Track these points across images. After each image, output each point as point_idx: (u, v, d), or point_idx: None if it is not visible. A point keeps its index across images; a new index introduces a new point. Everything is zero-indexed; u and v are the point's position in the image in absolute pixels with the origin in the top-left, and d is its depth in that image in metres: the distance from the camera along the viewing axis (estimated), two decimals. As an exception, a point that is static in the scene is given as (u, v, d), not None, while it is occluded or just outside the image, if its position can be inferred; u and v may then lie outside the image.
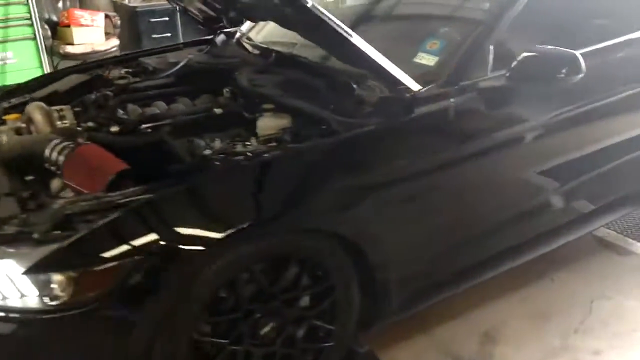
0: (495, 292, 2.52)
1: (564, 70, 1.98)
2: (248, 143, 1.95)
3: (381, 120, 1.95)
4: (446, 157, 2.00)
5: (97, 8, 5.74)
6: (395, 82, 1.94)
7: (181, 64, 2.63)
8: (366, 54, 1.90)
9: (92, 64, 2.92)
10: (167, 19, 5.81)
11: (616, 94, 2.41)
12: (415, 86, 1.95)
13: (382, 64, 1.91)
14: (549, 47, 2.02)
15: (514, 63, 2.01)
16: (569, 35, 2.46)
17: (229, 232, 1.61)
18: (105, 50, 5.51)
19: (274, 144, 1.96)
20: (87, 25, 5.42)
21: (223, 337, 1.77)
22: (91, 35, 5.46)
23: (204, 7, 2.78)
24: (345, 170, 1.85)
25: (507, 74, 2.02)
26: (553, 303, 2.48)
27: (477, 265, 2.29)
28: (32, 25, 5.10)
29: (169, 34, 5.88)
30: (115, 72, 2.72)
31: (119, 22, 5.72)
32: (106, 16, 5.67)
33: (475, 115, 2.07)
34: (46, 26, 5.31)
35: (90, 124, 2.17)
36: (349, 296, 1.96)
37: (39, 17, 5.21)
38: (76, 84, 2.58)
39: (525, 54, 2.00)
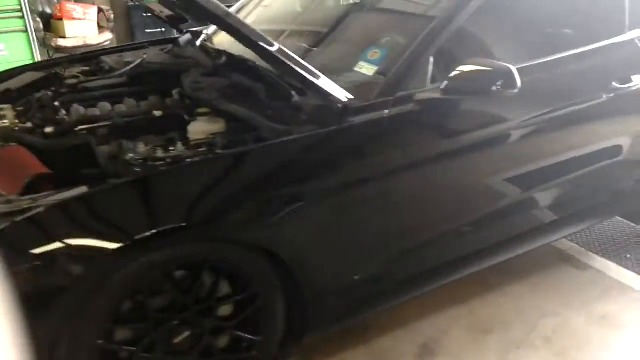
0: (441, 302, 2.48)
1: (499, 84, 1.93)
2: (172, 148, 1.93)
3: (313, 128, 1.92)
4: (378, 168, 1.96)
5: (92, 1, 5.76)
6: (322, 92, 1.91)
7: (133, 64, 2.62)
8: (287, 63, 1.87)
9: (52, 61, 2.92)
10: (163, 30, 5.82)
11: (563, 108, 2.34)
12: (343, 97, 1.92)
13: (305, 74, 1.88)
14: (485, 60, 1.98)
15: (450, 75, 1.97)
16: (528, 45, 2.43)
17: (133, 239, 1.59)
18: (97, 44, 5.52)
19: (204, 149, 1.95)
20: (79, 19, 5.44)
21: (135, 344, 1.76)
22: (83, 28, 5.48)
23: (162, 7, 2.77)
24: (269, 180, 1.82)
25: (442, 87, 1.97)
26: (499, 317, 2.43)
27: (420, 276, 2.25)
28: (23, 17, 5.13)
29: (162, 29, 5.89)
30: (73, 71, 2.72)
31: (112, 16, 5.74)
32: (100, 10, 5.69)
33: (411, 126, 2.03)
34: (38, 19, 5.34)
35: (29, 124, 2.17)
36: (272, 306, 1.93)
37: (33, 9, 5.26)
38: (30, 82, 2.58)
39: (460, 67, 1.96)
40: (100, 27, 5.71)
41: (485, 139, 2.18)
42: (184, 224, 1.67)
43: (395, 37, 2.21)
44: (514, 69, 1.94)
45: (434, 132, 2.07)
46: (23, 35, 5.19)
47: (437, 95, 1.99)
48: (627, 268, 2.74)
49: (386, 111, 1.97)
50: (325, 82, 1.91)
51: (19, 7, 5.08)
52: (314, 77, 1.90)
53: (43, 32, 5.39)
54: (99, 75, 2.67)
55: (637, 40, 2.51)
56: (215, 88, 2.25)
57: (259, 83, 2.19)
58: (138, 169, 1.81)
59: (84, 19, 5.47)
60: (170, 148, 1.93)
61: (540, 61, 2.32)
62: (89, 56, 2.95)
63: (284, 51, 1.89)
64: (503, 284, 2.62)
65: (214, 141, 1.97)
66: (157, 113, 2.22)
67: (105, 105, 2.32)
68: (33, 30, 5.22)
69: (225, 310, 1.89)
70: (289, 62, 1.88)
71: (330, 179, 1.89)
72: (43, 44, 5.40)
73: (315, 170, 1.88)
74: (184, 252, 1.73)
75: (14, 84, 2.57)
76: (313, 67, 2.03)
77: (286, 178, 1.85)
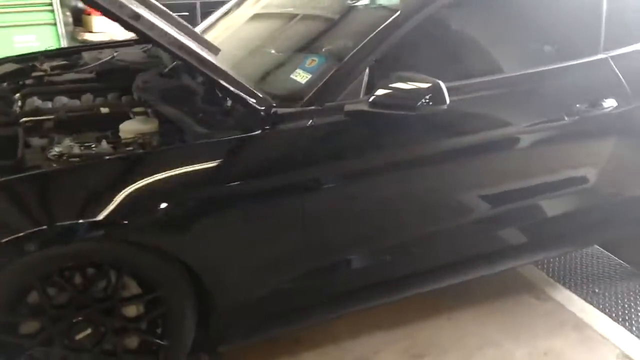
0: (381, 321, 2.42)
1: (427, 99, 1.86)
2: (94, 145, 1.95)
3: (234, 134, 1.89)
4: (297, 178, 1.91)
5: (123, -2, 5.93)
6: (237, 98, 1.89)
7: (101, 60, 2.68)
8: (198, 67, 1.86)
9: (35, 54, 3.01)
10: (186, 13, 5.90)
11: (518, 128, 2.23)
12: (264, 104, 1.90)
13: (221, 81, 1.87)
14: (415, 74, 1.91)
15: (379, 88, 1.91)
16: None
17: (25, 233, 1.61)
18: (122, 41, 5.67)
19: (130, 148, 1.96)
20: (107, 15, 5.62)
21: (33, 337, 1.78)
22: (111, 24, 5.64)
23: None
24: (178, 183, 1.80)
25: (370, 100, 1.91)
26: (436, 343, 2.33)
27: (349, 293, 2.19)
28: (53, 11, 5.35)
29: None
30: (50, 64, 2.80)
31: (141, 13, 5.88)
32: (129, 7, 5.85)
33: (337, 137, 1.98)
34: (68, 13, 5.55)
35: (-20, 115, 2.24)
36: (180, 312, 1.91)
37: (65, 3, 5.47)
38: (5, 73, 2.67)
39: (391, 80, 1.90)
40: (129, 24, 5.87)
41: (426, 155, 2.11)
42: (79, 222, 1.67)
43: (336, 46, 2.16)
44: (442, 84, 1.87)
45: (362, 144, 2.00)
46: (53, 28, 5.40)
47: (364, 107, 1.93)
48: (592, 303, 2.58)
49: (311, 120, 1.93)
50: (242, 89, 1.89)
51: (50, 1, 5.30)
52: (230, 82, 1.88)
53: (72, 26, 5.60)
54: (75, 69, 2.74)
55: (610, 61, 2.37)
56: (160, 89, 2.27)
57: (203, 86, 2.19)
58: (54, 164, 1.84)
59: (112, 15, 5.63)
60: (93, 145, 1.95)
61: (496, 77, 2.25)
62: (73, 51, 3.04)
63: (199, 55, 1.87)
64: (453, 307, 2.52)
65: (140, 141, 1.98)
66: (104, 110, 2.26)
67: (61, 99, 2.38)
68: (62, 24, 5.42)
69: (131, 310, 1.90)
70: (200, 67, 1.86)
71: (244, 186, 1.86)
72: (72, 37, 5.61)
73: (228, 175, 1.85)
74: (79, 250, 1.73)
75: (-8, 75, 2.67)
76: (257, 70, 2.04)
77: (197, 182, 1.82)
